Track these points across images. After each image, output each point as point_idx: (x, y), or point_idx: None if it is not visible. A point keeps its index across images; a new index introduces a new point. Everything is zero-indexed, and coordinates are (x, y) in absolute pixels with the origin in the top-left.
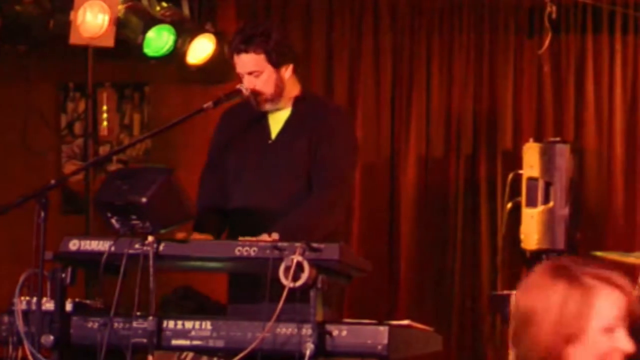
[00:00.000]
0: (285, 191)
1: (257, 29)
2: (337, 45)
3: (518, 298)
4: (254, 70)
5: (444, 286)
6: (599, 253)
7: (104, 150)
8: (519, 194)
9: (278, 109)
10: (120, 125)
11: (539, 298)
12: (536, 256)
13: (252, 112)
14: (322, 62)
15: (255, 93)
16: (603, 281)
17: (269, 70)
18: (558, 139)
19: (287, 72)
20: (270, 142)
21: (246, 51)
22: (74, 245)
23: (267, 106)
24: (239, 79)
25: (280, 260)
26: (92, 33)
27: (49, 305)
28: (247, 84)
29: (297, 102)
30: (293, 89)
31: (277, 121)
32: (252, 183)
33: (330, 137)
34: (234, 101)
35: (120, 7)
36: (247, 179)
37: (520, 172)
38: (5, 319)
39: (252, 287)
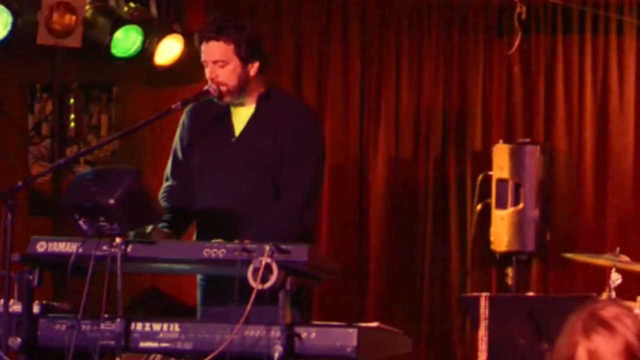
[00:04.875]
0: (250, 190)
1: (230, 21)
2: (306, 46)
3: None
4: (219, 60)
5: (414, 288)
6: (569, 255)
7: (71, 151)
8: (488, 195)
9: (241, 105)
10: (87, 126)
11: None
12: (506, 258)
13: (216, 110)
14: (291, 63)
15: (217, 83)
16: None
17: (235, 63)
18: (528, 140)
19: (253, 69)
20: (234, 139)
21: (217, 39)
22: (41, 247)
23: (227, 99)
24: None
25: (248, 262)
26: (60, 33)
27: (16, 307)
28: (210, 74)
29: (261, 99)
30: (258, 87)
31: (240, 118)
32: (217, 182)
33: (297, 137)
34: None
35: (88, 8)
36: (212, 177)
37: (490, 173)
38: None
39: (223, 290)
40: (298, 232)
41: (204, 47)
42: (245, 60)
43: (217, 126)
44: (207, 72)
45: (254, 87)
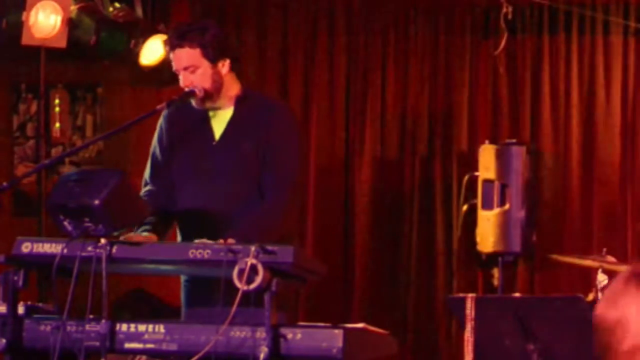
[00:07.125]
0: (232, 194)
1: (192, 25)
2: (292, 46)
3: (602, 309)
4: (189, 66)
5: (399, 289)
6: (555, 256)
7: (56, 152)
8: (474, 196)
9: (219, 108)
10: (72, 127)
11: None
12: (492, 258)
13: (194, 113)
14: (277, 63)
15: (193, 90)
16: None
17: (205, 66)
18: (514, 140)
19: (224, 67)
20: (214, 143)
21: (181, 46)
22: (26, 247)
23: (207, 104)
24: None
25: (234, 262)
26: (45, 34)
27: (1, 308)
28: (184, 81)
29: (239, 101)
30: (232, 86)
31: (220, 122)
32: (198, 185)
33: (279, 140)
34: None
35: (73, 8)
36: (193, 181)
37: (476, 174)
38: None
39: (208, 291)
40: (280, 233)
41: (171, 55)
42: (214, 61)
43: (196, 130)
44: (181, 80)
45: (228, 86)
